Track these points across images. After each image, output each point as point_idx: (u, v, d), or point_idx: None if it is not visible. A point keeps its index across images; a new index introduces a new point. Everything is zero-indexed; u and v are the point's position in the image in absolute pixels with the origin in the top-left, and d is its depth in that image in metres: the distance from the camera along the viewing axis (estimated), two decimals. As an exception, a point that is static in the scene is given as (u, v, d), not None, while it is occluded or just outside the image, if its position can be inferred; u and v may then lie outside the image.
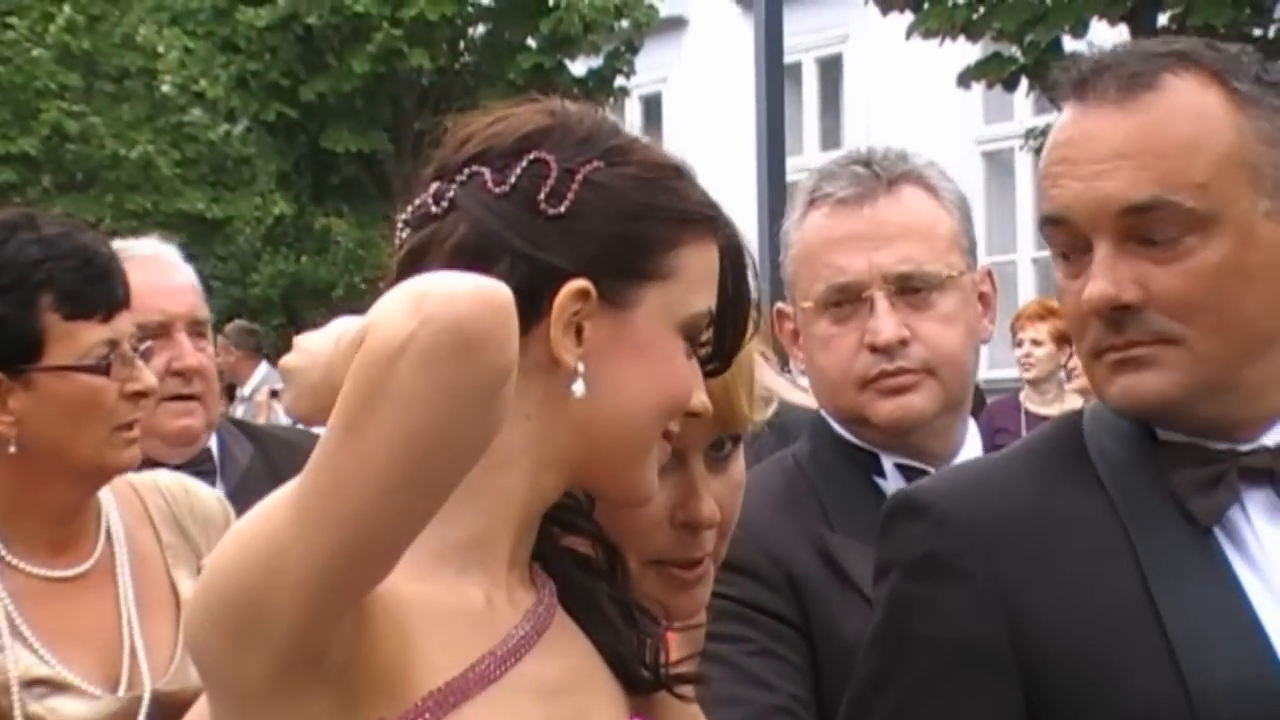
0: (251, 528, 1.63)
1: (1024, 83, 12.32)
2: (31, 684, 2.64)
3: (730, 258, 1.84)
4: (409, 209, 1.77)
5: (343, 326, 1.69)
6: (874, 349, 2.48)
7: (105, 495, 2.83)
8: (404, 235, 1.77)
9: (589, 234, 1.73)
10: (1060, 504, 1.95)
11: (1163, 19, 11.74)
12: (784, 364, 3.56)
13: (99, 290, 2.72)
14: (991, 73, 12.35)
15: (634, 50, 15.95)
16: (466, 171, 1.75)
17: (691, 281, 1.78)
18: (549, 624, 1.77)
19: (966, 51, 13.33)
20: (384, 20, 15.29)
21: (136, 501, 2.85)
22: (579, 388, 1.72)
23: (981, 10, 11.99)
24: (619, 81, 16.07)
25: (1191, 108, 1.95)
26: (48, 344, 2.69)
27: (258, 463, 3.56)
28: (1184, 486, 1.94)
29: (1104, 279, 1.93)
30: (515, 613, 1.76)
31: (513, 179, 1.73)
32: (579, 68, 15.91)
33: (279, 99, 16.00)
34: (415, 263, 1.72)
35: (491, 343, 1.56)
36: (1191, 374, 1.93)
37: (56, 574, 2.74)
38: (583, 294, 1.72)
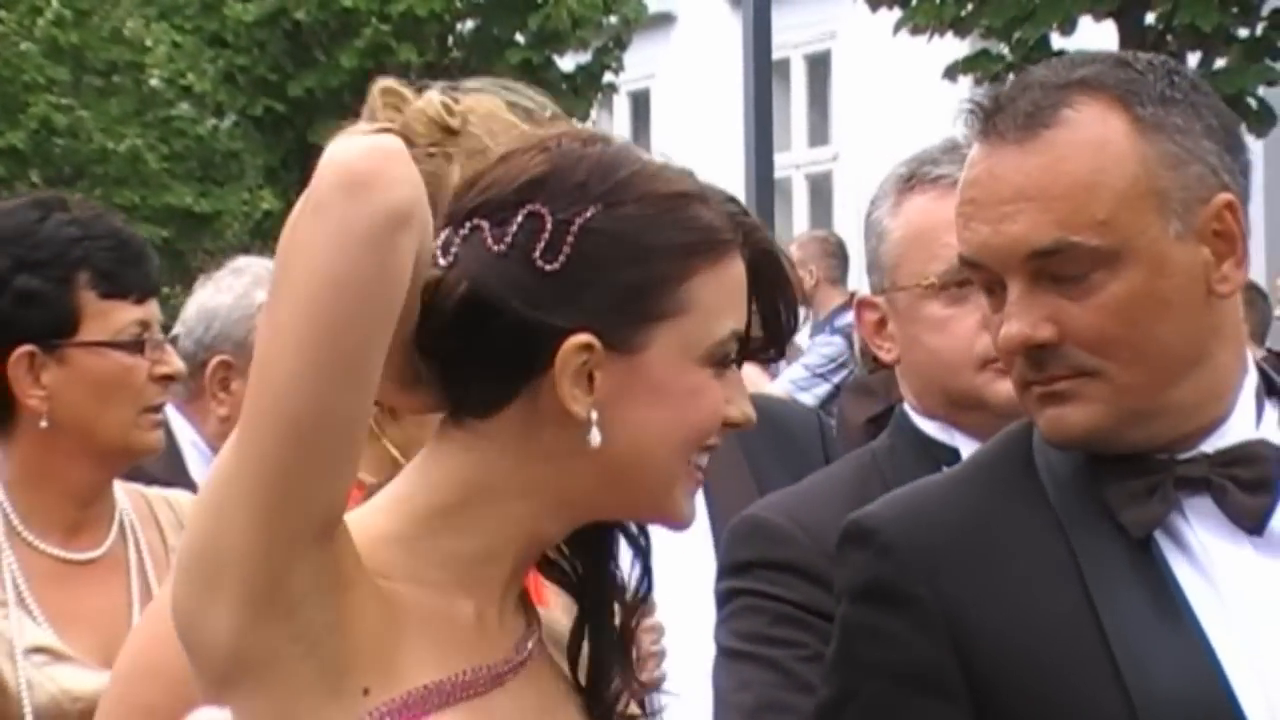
0: (209, 472, 1.66)
1: (1012, 80, 12.31)
2: (33, 652, 2.66)
3: (762, 260, 1.80)
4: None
5: None
6: None
7: (120, 493, 2.85)
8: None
9: (588, 286, 1.71)
10: (1006, 522, 1.95)
11: (1150, 18, 11.74)
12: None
13: (134, 272, 2.79)
14: (979, 69, 12.35)
15: (622, 46, 15.93)
16: (468, 225, 1.74)
17: (709, 309, 1.75)
18: (535, 655, 1.78)
19: (954, 48, 13.34)
20: (372, 15, 15.28)
21: (145, 508, 2.89)
22: (595, 437, 1.71)
23: (969, 7, 11.99)
24: (607, 78, 16.05)
25: (1090, 143, 1.94)
26: (83, 320, 2.75)
27: None
28: (1118, 499, 1.94)
29: (1018, 320, 1.94)
30: (504, 636, 1.77)
31: (509, 236, 1.72)
32: (567, 64, 15.89)
33: (267, 94, 15.98)
34: (426, 308, 1.72)
35: (379, 180, 1.60)
36: (1115, 404, 1.94)
37: (70, 556, 2.77)
38: (585, 348, 1.71)
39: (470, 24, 16.11)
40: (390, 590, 1.70)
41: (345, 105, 17.97)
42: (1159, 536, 1.94)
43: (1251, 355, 2.06)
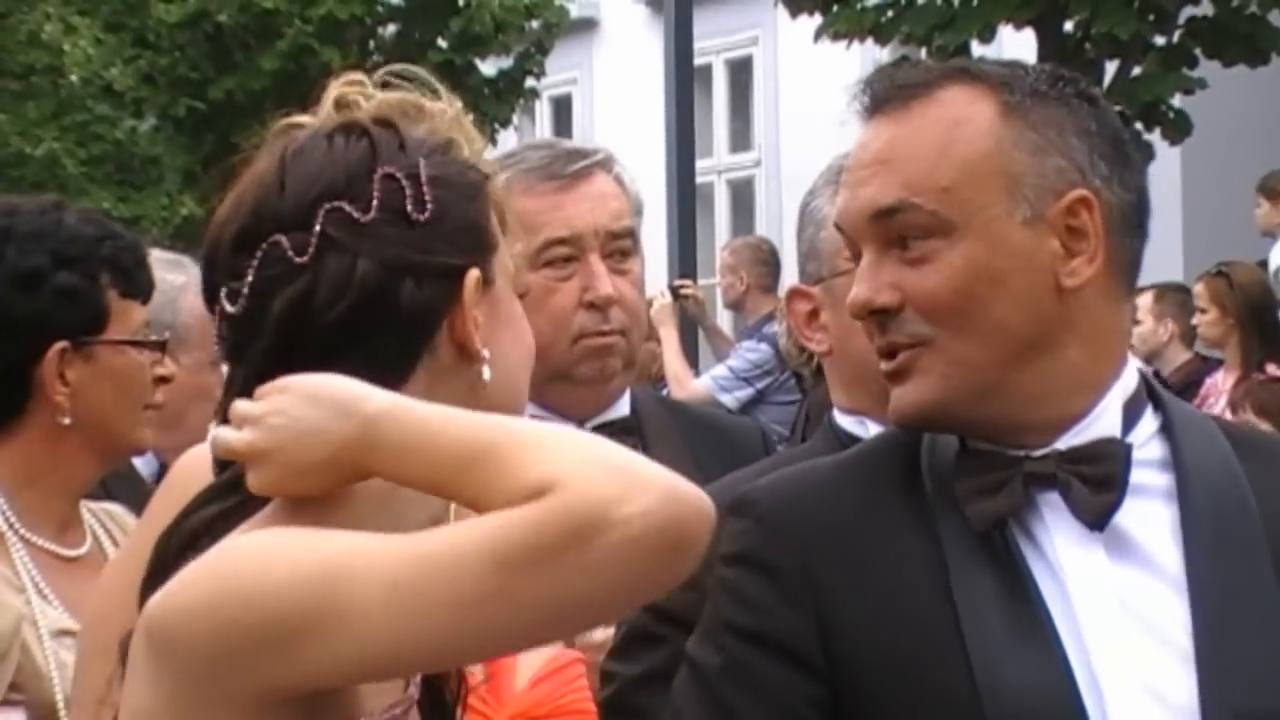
0: (326, 557, 1.56)
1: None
2: (60, 634, 2.67)
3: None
4: (243, 281, 1.72)
5: (347, 391, 1.64)
6: None
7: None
8: (246, 304, 1.72)
9: (459, 226, 1.77)
10: (882, 509, 2.00)
11: (1068, 26, 11.83)
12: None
13: (144, 273, 2.85)
14: (900, 76, 12.40)
15: (544, 51, 15.92)
16: (320, 212, 1.73)
17: (507, 236, 1.84)
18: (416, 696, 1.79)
19: (875, 55, 13.40)
20: (294, 18, 15.21)
21: (92, 514, 2.91)
22: (487, 372, 1.75)
23: (890, 14, 12.05)
24: (529, 82, 16.03)
25: (951, 116, 2.01)
26: (109, 319, 2.77)
27: None
28: (966, 492, 1.99)
29: (863, 284, 2.01)
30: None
31: (375, 203, 1.74)
32: (489, 68, 15.86)
33: (188, 95, 15.88)
34: (296, 315, 1.71)
35: (694, 552, 1.54)
36: (946, 377, 1.99)
37: (63, 551, 2.78)
38: (480, 281, 1.77)
39: (392, 27, 16.06)
40: None
41: (266, 108, 17.92)
42: (1014, 530, 1.99)
43: (1135, 362, 2.12)
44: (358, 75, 1.85)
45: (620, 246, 2.93)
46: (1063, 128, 2.02)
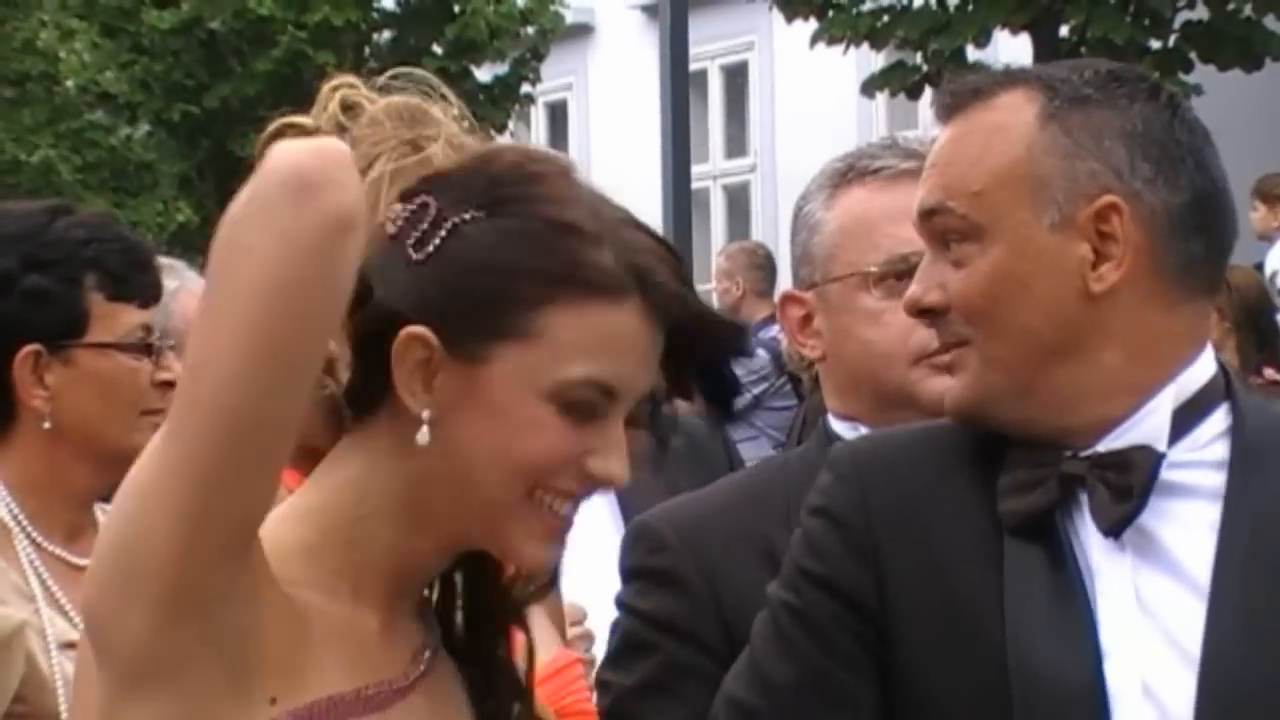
0: (132, 470, 1.63)
1: (927, 91, 12.40)
2: (66, 647, 2.66)
3: (694, 326, 1.77)
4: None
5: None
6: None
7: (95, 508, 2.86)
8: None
9: (444, 284, 1.72)
10: (955, 483, 2.05)
11: (1063, 30, 11.84)
12: None
13: (140, 276, 2.81)
14: (895, 81, 12.42)
15: (540, 57, 15.93)
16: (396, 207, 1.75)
17: (562, 345, 1.72)
18: (434, 668, 1.78)
19: (871, 59, 13.40)
20: (288, 25, 15.22)
21: None
22: (423, 435, 1.71)
23: (885, 19, 12.05)
24: (524, 88, 16.03)
25: (995, 122, 2.04)
26: (91, 322, 2.74)
27: None
28: (1004, 488, 2.02)
29: (918, 282, 2.08)
30: (407, 647, 1.77)
31: (400, 221, 1.74)
32: (484, 74, 15.87)
33: (182, 102, 15.89)
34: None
35: (328, 184, 1.58)
36: (982, 378, 2.03)
37: (74, 559, 2.76)
38: (418, 340, 1.71)
39: (387, 34, 16.07)
40: (299, 600, 1.69)
41: (260, 115, 17.88)
42: (1062, 523, 2.01)
43: (1209, 360, 2.07)
44: (351, 78, 1.84)
45: None
46: (1101, 131, 2.02)
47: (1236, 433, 2.04)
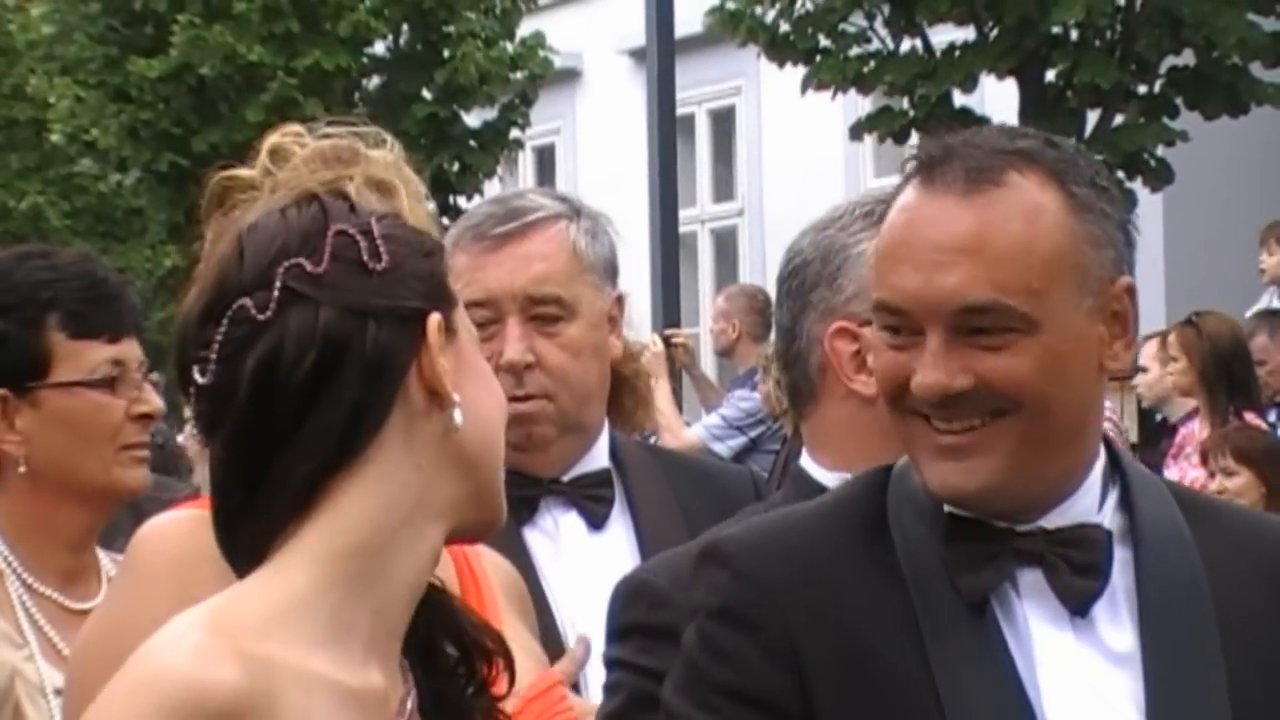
0: None
1: (914, 136, 12.43)
2: (59, 693, 2.65)
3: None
4: (211, 349, 1.77)
5: None
6: None
7: (100, 555, 2.85)
8: (217, 370, 1.76)
9: (416, 276, 1.81)
10: (856, 565, 2.02)
11: (1050, 75, 11.88)
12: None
13: (105, 313, 2.80)
14: (882, 126, 12.46)
15: (529, 102, 15.95)
16: (279, 270, 1.77)
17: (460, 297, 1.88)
18: (412, 716, 1.81)
19: (858, 104, 13.44)
20: (278, 70, 15.24)
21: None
22: (458, 416, 1.78)
23: (872, 64, 12.09)
24: (513, 133, 16.06)
25: (1030, 208, 2.03)
26: (54, 362, 2.75)
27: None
28: (956, 562, 2.01)
29: (937, 370, 2.02)
30: (395, 698, 1.80)
31: (327, 256, 1.78)
32: (473, 119, 15.90)
33: (171, 149, 15.88)
34: (267, 372, 1.74)
35: None
36: (1014, 455, 2.01)
37: (71, 604, 2.76)
38: (442, 326, 1.80)
39: (376, 79, 16.09)
40: (308, 676, 1.70)
41: (250, 160, 17.84)
42: (993, 604, 2.01)
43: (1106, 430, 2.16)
44: (295, 126, 1.91)
45: (543, 312, 2.92)
46: (1110, 219, 2.08)
47: (1129, 503, 2.09)
